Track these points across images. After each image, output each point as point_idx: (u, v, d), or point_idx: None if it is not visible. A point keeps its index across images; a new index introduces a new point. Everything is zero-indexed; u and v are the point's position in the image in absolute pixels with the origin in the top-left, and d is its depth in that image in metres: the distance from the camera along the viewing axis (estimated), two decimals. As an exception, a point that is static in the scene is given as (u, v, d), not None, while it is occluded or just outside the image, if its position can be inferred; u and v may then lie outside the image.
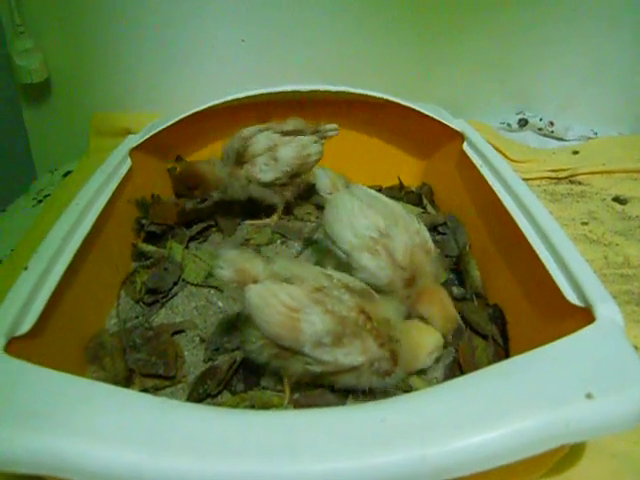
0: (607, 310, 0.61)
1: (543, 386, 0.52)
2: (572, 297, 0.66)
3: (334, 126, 1.10)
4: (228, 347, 0.82)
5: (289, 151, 1.06)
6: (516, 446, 0.48)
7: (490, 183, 0.93)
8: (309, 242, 1.08)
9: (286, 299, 0.68)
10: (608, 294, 0.63)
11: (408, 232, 0.83)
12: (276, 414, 0.56)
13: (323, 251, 0.96)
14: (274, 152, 1.05)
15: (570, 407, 0.49)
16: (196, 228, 1.09)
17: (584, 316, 0.63)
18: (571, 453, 0.67)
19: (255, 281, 0.70)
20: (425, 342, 0.75)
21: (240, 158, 1.06)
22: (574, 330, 0.59)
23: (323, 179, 0.90)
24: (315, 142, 1.08)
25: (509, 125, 1.56)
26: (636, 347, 0.86)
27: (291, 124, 1.08)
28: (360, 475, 0.47)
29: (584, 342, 0.57)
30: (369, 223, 0.82)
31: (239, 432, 0.49)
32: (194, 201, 1.09)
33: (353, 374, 0.70)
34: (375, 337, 0.70)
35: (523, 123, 1.55)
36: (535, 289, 0.77)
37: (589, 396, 0.50)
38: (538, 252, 0.75)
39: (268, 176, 1.06)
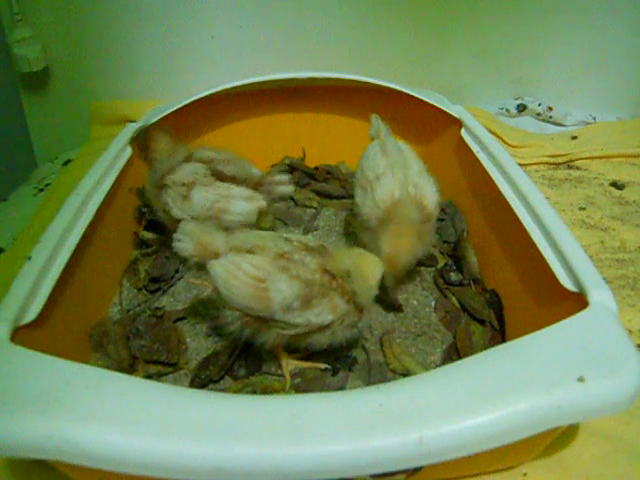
0: (600, 295, 0.62)
1: (536, 370, 0.53)
2: (566, 282, 0.67)
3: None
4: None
5: None
6: (510, 428, 0.50)
7: (487, 169, 0.94)
8: (309, 229, 1.09)
9: (251, 270, 0.69)
10: (602, 279, 0.65)
11: (401, 181, 0.87)
12: (280, 399, 0.57)
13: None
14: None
15: (562, 390, 0.51)
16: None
17: (578, 301, 0.64)
18: (564, 434, 0.69)
19: (216, 255, 0.70)
20: (372, 270, 0.74)
21: None
22: (568, 315, 0.60)
23: (375, 123, 0.99)
24: None
25: (508, 111, 1.56)
26: (630, 331, 0.87)
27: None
28: (359, 457, 0.48)
29: (577, 327, 0.58)
30: (373, 165, 0.91)
31: (245, 416, 0.51)
32: None
33: (327, 332, 0.72)
34: (341, 294, 0.71)
35: (522, 108, 1.55)
36: (531, 274, 0.79)
37: (581, 379, 0.51)
38: (533, 237, 0.76)
39: None
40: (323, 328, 0.71)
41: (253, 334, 0.72)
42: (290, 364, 0.78)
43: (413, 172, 0.90)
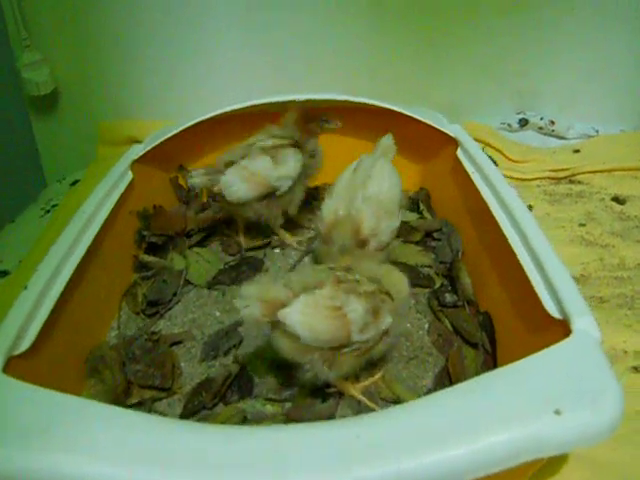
0: (584, 323, 0.62)
1: (514, 402, 0.53)
2: (552, 309, 0.68)
3: None
4: (224, 348, 0.87)
5: None
6: (486, 461, 0.50)
7: (480, 190, 0.94)
8: (307, 250, 1.10)
9: (329, 302, 0.69)
10: (586, 307, 0.65)
11: (348, 202, 0.89)
12: (262, 430, 0.58)
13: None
14: None
15: (538, 423, 0.51)
16: (196, 237, 1.11)
17: (562, 328, 0.64)
18: (551, 461, 0.69)
19: (283, 305, 0.68)
20: (404, 283, 0.78)
21: None
22: (553, 341, 0.60)
23: (383, 140, 0.99)
24: None
25: (509, 125, 1.56)
26: (625, 352, 0.87)
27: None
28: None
29: (558, 356, 0.58)
30: (338, 180, 0.95)
31: (228, 448, 0.52)
32: None
33: (385, 338, 0.75)
34: (388, 296, 0.75)
35: (524, 123, 1.55)
36: (520, 299, 0.79)
37: (557, 412, 0.52)
38: (522, 262, 0.76)
39: None
40: (384, 334, 0.74)
41: (336, 370, 0.73)
42: (357, 389, 0.79)
43: (363, 195, 0.89)
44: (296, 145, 1.06)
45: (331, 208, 0.90)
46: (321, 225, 0.90)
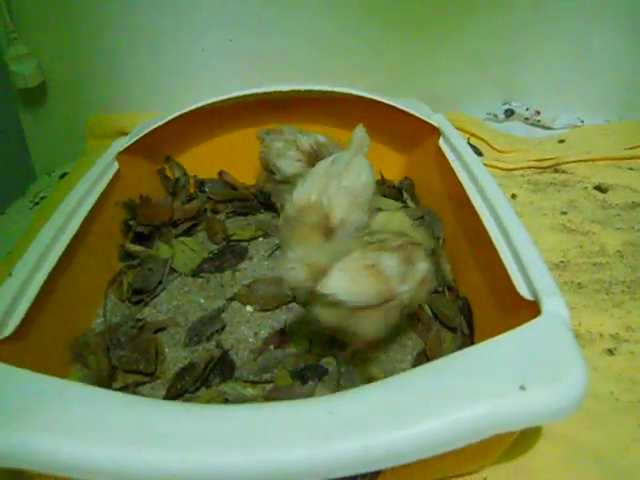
0: (553, 304, 0.64)
1: (481, 378, 0.55)
2: (524, 291, 0.69)
3: None
4: (207, 333, 0.88)
5: None
6: (453, 436, 0.52)
7: (459, 178, 0.96)
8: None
9: (361, 262, 0.72)
10: (556, 288, 0.66)
11: (322, 196, 0.88)
12: (237, 408, 0.59)
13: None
14: None
15: (504, 398, 0.53)
16: (182, 227, 1.13)
17: (534, 309, 0.66)
18: (526, 438, 0.71)
19: (323, 271, 0.70)
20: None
21: None
22: (525, 322, 0.62)
23: (355, 132, 0.99)
24: None
25: (495, 116, 1.57)
26: (600, 335, 0.89)
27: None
28: (309, 464, 0.50)
29: (526, 335, 0.60)
30: (314, 169, 0.95)
31: (202, 425, 0.53)
32: None
33: (424, 285, 0.77)
34: (418, 246, 0.78)
35: (509, 114, 1.57)
36: (496, 282, 0.80)
37: (522, 388, 0.53)
38: (497, 247, 0.78)
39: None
40: (422, 282, 0.76)
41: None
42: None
43: (338, 185, 0.90)
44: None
45: (304, 193, 0.90)
46: (291, 208, 0.90)
